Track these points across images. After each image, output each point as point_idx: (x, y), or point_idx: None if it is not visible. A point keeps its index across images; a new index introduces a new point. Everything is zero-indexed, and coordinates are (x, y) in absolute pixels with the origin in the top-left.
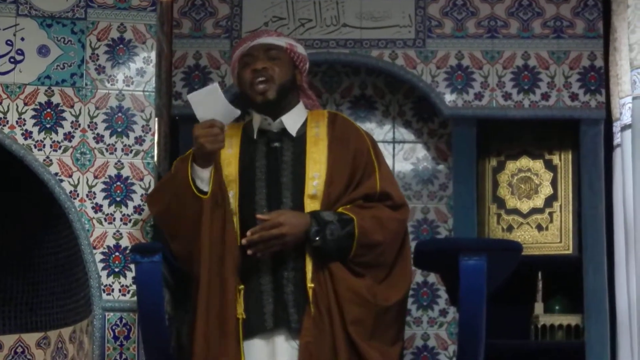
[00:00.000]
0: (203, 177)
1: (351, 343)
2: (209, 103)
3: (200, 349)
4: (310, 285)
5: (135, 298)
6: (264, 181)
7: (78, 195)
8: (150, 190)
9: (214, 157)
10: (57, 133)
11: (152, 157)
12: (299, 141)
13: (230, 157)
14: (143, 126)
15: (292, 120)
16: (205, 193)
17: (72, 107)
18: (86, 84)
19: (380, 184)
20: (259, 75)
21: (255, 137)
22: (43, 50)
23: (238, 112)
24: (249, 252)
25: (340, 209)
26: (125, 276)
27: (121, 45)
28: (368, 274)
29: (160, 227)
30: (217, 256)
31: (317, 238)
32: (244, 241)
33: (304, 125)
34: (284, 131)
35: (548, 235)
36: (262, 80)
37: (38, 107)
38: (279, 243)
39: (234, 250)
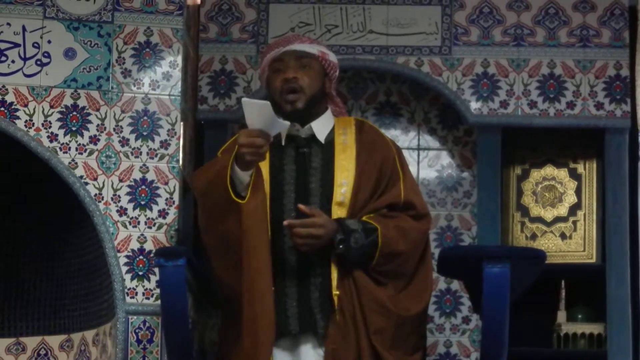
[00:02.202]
0: (242, 180)
1: (374, 352)
2: (260, 113)
3: (237, 351)
4: (335, 292)
5: (158, 302)
6: (293, 185)
7: (103, 198)
8: (196, 171)
9: (254, 165)
10: (82, 136)
11: (177, 161)
12: (327, 148)
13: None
14: (168, 130)
15: (321, 126)
16: (243, 198)
17: (98, 110)
18: (112, 88)
19: (405, 193)
20: (289, 84)
21: (283, 142)
22: (70, 53)
23: (287, 124)
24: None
25: (364, 218)
26: (149, 280)
27: (147, 49)
28: (389, 283)
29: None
30: (255, 266)
31: (341, 246)
32: (285, 223)
33: (332, 131)
34: (312, 137)
35: (571, 244)
36: (292, 89)
37: (64, 109)
38: (311, 243)
39: (269, 257)
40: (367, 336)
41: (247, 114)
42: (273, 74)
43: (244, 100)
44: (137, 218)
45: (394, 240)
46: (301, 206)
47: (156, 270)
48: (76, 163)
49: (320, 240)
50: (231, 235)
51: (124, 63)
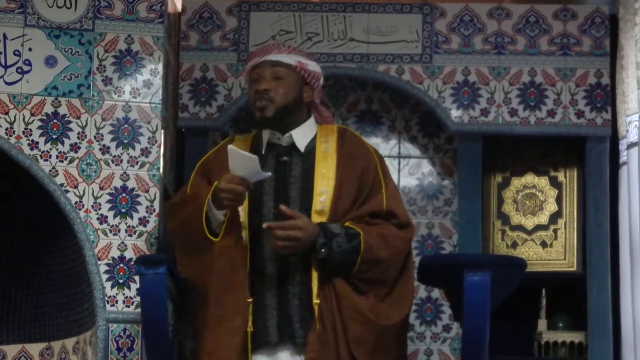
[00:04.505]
0: (217, 218)
1: None
2: (245, 163)
3: None
4: (315, 301)
5: (139, 309)
6: (272, 194)
7: (83, 206)
8: (170, 202)
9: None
10: (63, 144)
11: (158, 169)
12: (308, 156)
13: None
14: (149, 138)
15: (302, 135)
16: (217, 235)
17: (78, 118)
18: (93, 95)
19: (386, 202)
20: (260, 95)
21: (263, 151)
22: (50, 61)
23: (269, 174)
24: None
25: (347, 223)
26: (129, 288)
27: (128, 57)
28: (370, 291)
29: (173, 242)
30: (227, 271)
31: (323, 250)
32: (264, 225)
33: (313, 140)
34: (292, 145)
35: (552, 252)
36: (262, 99)
37: (45, 117)
38: (290, 246)
39: (244, 264)
40: (347, 345)
41: (231, 161)
42: (250, 83)
43: (230, 147)
44: (117, 226)
45: (376, 246)
46: (282, 207)
47: (136, 278)
48: (57, 171)
49: (300, 243)
50: (204, 272)
51: (104, 71)
